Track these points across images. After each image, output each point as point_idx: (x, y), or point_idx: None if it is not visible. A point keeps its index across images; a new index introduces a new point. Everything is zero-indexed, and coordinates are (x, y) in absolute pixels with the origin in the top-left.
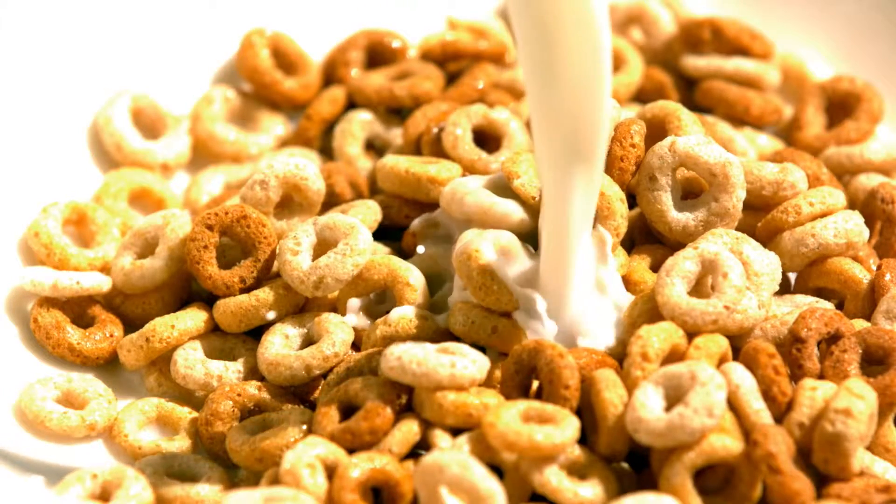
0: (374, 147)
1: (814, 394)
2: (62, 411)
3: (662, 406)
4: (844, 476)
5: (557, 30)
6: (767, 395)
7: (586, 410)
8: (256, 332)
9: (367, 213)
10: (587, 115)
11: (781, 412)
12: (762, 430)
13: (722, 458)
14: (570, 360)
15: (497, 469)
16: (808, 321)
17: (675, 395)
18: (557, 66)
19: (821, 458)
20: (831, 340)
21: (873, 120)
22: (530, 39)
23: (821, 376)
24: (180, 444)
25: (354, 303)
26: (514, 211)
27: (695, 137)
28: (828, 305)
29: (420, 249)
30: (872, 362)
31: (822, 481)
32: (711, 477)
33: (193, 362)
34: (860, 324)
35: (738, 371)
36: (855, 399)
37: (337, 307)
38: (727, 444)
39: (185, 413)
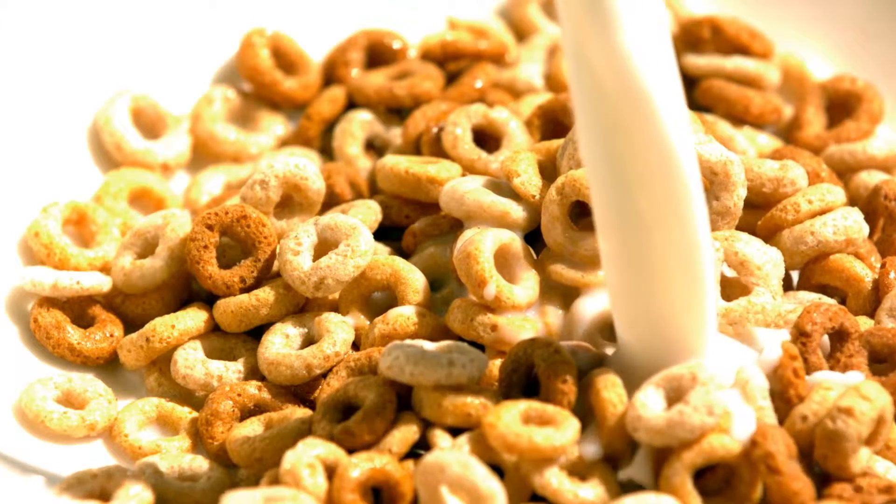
0: (374, 147)
1: (826, 393)
2: (62, 411)
3: (663, 407)
4: (844, 474)
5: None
6: (783, 396)
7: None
8: (257, 332)
9: (368, 213)
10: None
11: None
12: (762, 429)
13: (722, 458)
14: (567, 356)
15: (497, 469)
16: (813, 315)
17: (675, 397)
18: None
19: (821, 454)
20: (835, 336)
21: (873, 120)
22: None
23: None
24: (180, 444)
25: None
26: (514, 209)
27: (696, 136)
28: (831, 302)
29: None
30: (877, 361)
31: (824, 481)
32: (711, 478)
33: (193, 362)
34: (863, 320)
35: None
36: (860, 400)
37: (339, 307)
38: (727, 443)
39: (185, 413)
